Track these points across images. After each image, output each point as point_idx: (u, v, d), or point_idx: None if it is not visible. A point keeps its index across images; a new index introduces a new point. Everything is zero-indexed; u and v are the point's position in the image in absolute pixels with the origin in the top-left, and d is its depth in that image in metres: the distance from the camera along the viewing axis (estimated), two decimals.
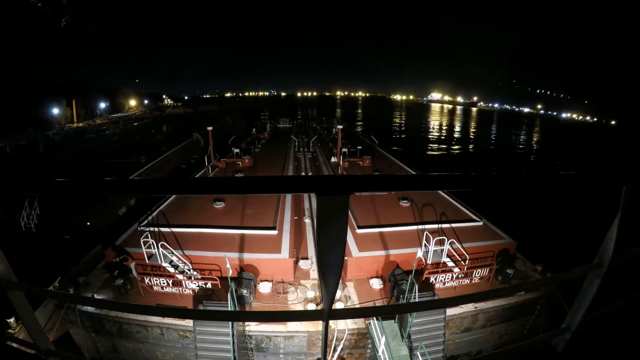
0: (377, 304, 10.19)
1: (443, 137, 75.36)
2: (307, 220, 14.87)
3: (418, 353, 8.47)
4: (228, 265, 10.21)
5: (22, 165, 29.75)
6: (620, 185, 1.22)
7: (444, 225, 13.14)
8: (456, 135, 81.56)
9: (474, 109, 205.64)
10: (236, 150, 25.71)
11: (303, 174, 23.16)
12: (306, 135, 38.25)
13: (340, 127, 24.71)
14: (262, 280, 10.96)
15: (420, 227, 12.96)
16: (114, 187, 1.24)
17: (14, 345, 1.51)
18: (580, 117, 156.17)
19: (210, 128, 24.43)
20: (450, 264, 11.07)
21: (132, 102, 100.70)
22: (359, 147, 26.05)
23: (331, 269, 1.10)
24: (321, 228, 1.05)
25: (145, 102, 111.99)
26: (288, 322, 9.25)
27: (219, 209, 14.72)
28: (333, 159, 25.33)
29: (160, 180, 1.06)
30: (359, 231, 12.67)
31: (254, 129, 41.47)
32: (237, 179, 1.01)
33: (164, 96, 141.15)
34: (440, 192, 15.51)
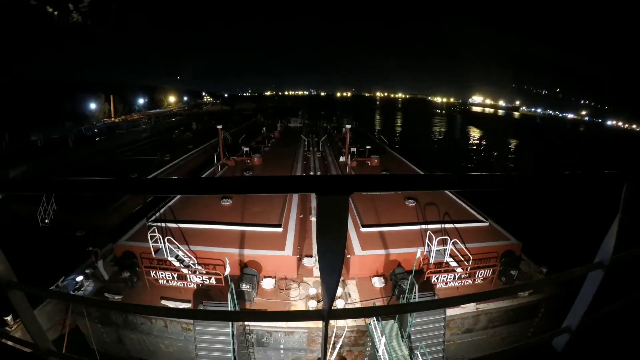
0: (377, 304, 10.20)
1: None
2: (313, 219, 14.93)
3: (418, 353, 8.48)
4: (228, 264, 10.23)
5: (34, 162, 28.96)
6: (620, 184, 1.22)
7: (448, 225, 13.14)
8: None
9: (516, 114, 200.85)
10: (246, 149, 25.87)
11: (312, 173, 23.22)
12: (316, 134, 38.32)
13: (349, 126, 24.76)
14: (265, 277, 11.03)
15: (424, 226, 12.97)
16: (120, 187, 1.24)
17: (14, 345, 1.51)
18: (626, 125, 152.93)
19: (220, 127, 24.35)
20: (453, 264, 11.03)
21: (171, 99, 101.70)
22: (367, 147, 26.05)
23: (331, 269, 1.10)
24: (321, 228, 1.05)
25: (185, 98, 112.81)
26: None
27: (226, 206, 14.85)
28: (342, 159, 25.40)
29: (162, 180, 1.06)
30: (363, 230, 12.71)
31: (264, 128, 41.44)
32: (238, 179, 1.01)
33: (204, 93, 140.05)
34: (447, 192, 15.51)
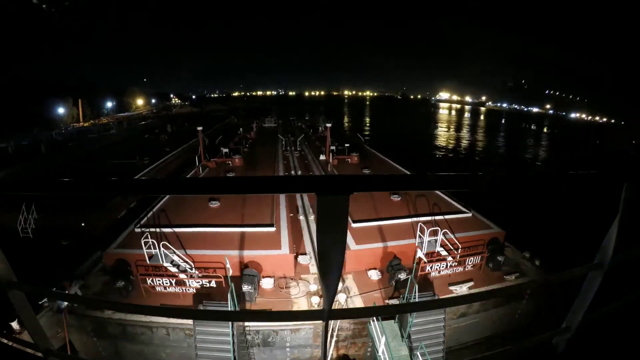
0: (376, 296, 10.33)
1: (451, 141, 73.26)
2: (302, 217, 15.07)
3: (418, 353, 8.48)
4: (228, 265, 10.22)
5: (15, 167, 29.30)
6: (620, 184, 1.22)
7: (436, 217, 13.57)
8: (465, 136, 79.03)
9: (483, 109, 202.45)
10: (225, 150, 25.86)
11: (292, 172, 23.50)
12: (292, 134, 38.58)
13: (329, 125, 25.23)
14: (263, 277, 11.02)
15: (413, 219, 13.39)
16: (111, 187, 1.24)
17: (14, 345, 1.51)
18: (590, 117, 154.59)
19: (200, 128, 24.71)
20: (444, 253, 11.42)
21: (140, 102, 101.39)
22: (346, 145, 26.48)
23: (331, 269, 1.10)
24: (321, 228, 1.05)
25: (153, 101, 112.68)
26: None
27: (215, 208, 14.78)
28: (322, 157, 25.63)
29: (160, 180, 1.06)
30: (354, 225, 12.92)
31: (240, 129, 41.95)
32: (238, 179, 1.01)
33: (172, 95, 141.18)
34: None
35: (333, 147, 25.12)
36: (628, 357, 2.08)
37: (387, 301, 10.36)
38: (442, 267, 11.26)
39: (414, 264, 10.31)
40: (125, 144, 41.59)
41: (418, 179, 1.08)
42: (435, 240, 11.47)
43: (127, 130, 52.49)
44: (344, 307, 9.76)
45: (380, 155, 27.35)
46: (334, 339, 9.28)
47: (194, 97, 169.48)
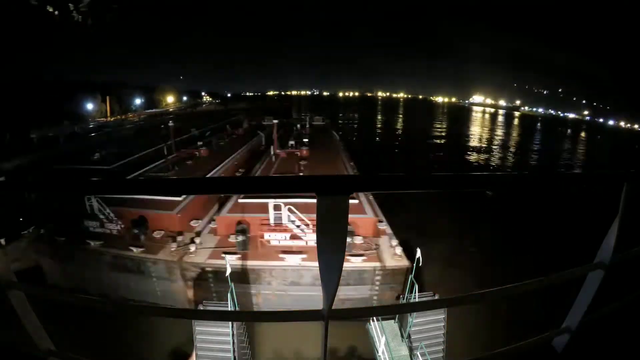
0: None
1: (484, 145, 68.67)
2: None
3: (418, 353, 8.48)
4: (228, 265, 10.22)
5: None
6: (620, 184, 1.22)
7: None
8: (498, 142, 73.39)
9: (517, 113, 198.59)
10: (200, 143, 28.35)
11: (244, 163, 26.87)
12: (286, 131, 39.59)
13: (275, 121, 28.47)
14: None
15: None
16: (111, 187, 1.24)
17: (14, 345, 1.51)
18: (628, 125, 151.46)
19: (171, 124, 26.26)
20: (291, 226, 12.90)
21: (170, 99, 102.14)
22: (305, 140, 28.80)
23: (331, 269, 1.10)
24: (321, 228, 1.04)
25: (185, 98, 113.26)
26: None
27: None
28: (278, 151, 27.14)
29: (160, 181, 1.06)
30: None
31: (227, 125, 42.89)
32: (238, 179, 1.01)
33: (203, 93, 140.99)
34: None
35: (292, 142, 28.19)
36: (628, 357, 2.08)
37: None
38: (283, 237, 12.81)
39: (414, 264, 10.30)
40: (128, 139, 42.55)
41: (418, 179, 1.08)
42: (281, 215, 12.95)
43: (139, 127, 53.74)
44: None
45: (343, 154, 29.08)
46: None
47: (229, 95, 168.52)
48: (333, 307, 1.15)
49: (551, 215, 23.57)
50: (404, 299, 9.42)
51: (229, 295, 8.62)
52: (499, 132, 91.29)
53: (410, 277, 9.38)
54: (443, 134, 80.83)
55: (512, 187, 1.08)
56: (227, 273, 10.18)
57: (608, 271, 1.36)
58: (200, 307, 9.01)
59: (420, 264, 11.02)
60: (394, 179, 1.02)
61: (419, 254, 10.81)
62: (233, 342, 8.39)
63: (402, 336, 8.99)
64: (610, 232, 1.34)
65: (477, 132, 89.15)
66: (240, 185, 1.07)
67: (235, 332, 8.51)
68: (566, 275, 1.38)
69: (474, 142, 71.10)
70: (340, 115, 67.73)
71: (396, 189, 1.03)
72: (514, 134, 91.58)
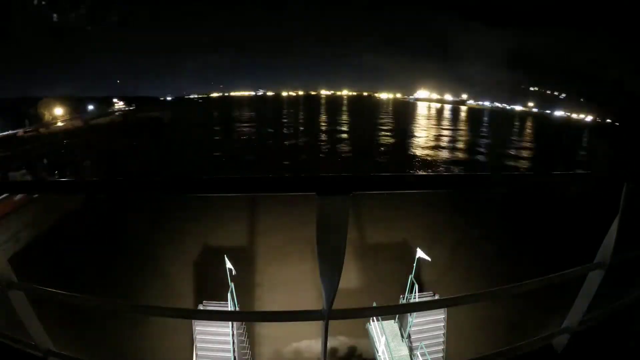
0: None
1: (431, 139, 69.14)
2: None
3: (418, 353, 8.47)
4: (228, 265, 10.19)
5: None
6: (620, 184, 1.22)
7: None
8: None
9: (464, 108, 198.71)
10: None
11: None
12: None
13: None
14: None
15: None
16: (110, 187, 1.24)
17: (14, 345, 1.51)
18: (575, 115, 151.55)
19: None
20: None
21: (58, 111, 73.59)
22: None
23: (331, 269, 1.10)
24: (321, 228, 1.04)
25: (90, 107, 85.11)
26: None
27: None
28: None
29: (159, 181, 1.06)
30: None
31: None
32: (238, 179, 1.01)
33: (114, 100, 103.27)
34: None
35: None
36: (628, 357, 2.08)
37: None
38: None
39: (414, 264, 10.28)
40: None
41: (418, 179, 1.08)
42: None
43: None
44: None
45: None
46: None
47: (168, 98, 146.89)
48: (333, 308, 1.15)
49: (551, 215, 23.53)
50: (404, 299, 9.42)
51: (229, 295, 8.61)
52: (445, 125, 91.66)
53: (410, 277, 9.37)
54: (389, 134, 79.29)
55: (511, 187, 1.08)
56: (228, 273, 10.16)
57: (608, 271, 1.36)
58: (200, 307, 9.00)
59: (420, 264, 11.04)
60: (394, 178, 1.02)
61: (419, 254, 10.80)
62: (233, 342, 8.37)
63: (402, 336, 8.99)
64: (610, 232, 1.34)
65: (424, 127, 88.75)
66: (240, 185, 1.07)
67: (235, 332, 8.49)
68: (566, 275, 1.38)
69: (420, 138, 70.29)
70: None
71: (396, 188, 1.02)
72: (461, 127, 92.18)
